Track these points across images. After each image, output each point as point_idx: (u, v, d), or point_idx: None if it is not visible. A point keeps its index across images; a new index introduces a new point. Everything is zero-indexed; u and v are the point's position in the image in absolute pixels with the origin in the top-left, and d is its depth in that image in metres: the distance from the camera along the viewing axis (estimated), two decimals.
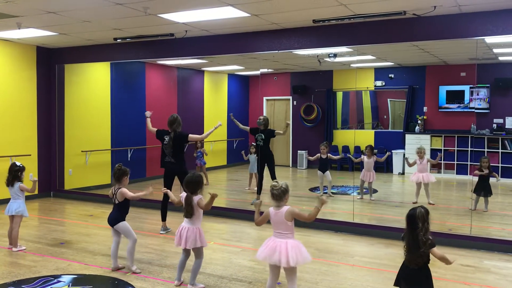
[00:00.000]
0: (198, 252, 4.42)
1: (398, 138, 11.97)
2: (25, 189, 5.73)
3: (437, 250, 3.29)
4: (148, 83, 11.27)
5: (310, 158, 9.18)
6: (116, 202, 4.92)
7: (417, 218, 3.24)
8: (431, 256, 3.29)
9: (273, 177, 8.04)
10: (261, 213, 3.94)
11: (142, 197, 4.89)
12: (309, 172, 12.74)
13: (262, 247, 3.82)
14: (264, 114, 13.73)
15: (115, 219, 4.91)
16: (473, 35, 6.06)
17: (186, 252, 4.49)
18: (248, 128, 8.49)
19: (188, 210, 4.35)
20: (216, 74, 13.26)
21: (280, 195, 3.75)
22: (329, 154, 8.98)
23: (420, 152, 8.16)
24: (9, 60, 8.75)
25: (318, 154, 8.96)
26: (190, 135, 6.55)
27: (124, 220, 4.94)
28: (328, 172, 8.95)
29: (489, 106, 10.87)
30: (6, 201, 5.92)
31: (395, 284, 3.44)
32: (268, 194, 3.91)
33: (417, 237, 3.22)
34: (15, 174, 5.71)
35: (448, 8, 5.88)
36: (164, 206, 6.66)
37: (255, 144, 8.38)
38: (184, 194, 4.44)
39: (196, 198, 4.38)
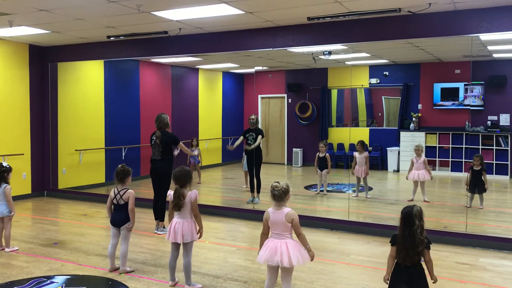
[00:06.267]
0: (189, 247, 4.38)
1: (392, 135, 11.98)
2: (8, 196, 5.59)
3: (429, 253, 3.29)
4: (142, 81, 11.20)
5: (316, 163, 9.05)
6: (122, 202, 4.83)
7: (414, 216, 3.23)
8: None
9: (256, 175, 8.19)
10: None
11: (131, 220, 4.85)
12: (304, 170, 12.73)
13: (262, 250, 3.76)
14: (259, 112, 13.71)
15: (124, 219, 4.82)
16: (468, 32, 6.05)
17: (177, 251, 4.45)
18: (238, 141, 8.36)
19: (177, 203, 4.29)
20: (210, 72, 13.21)
21: (281, 196, 3.70)
22: (327, 154, 8.96)
23: (418, 150, 8.15)
24: (1, 59, 8.65)
25: (317, 153, 9.00)
26: (181, 143, 6.63)
27: (130, 220, 4.89)
28: (325, 171, 8.93)
29: (483, 103, 10.89)
30: None
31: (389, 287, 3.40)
32: (267, 193, 3.87)
33: (414, 235, 3.20)
34: (1, 175, 5.62)
35: (443, 5, 5.86)
36: (156, 206, 6.63)
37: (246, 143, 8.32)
38: (171, 192, 4.41)
39: (192, 195, 4.33)
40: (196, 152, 6.57)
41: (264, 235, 3.83)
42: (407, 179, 8.36)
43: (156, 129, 6.56)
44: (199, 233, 4.40)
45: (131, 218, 4.82)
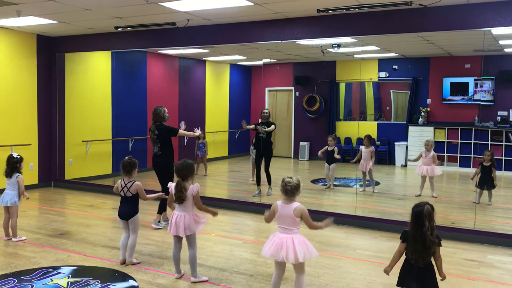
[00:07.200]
0: (192, 239, 4.36)
1: (401, 130, 11.89)
2: (21, 185, 5.66)
3: (439, 250, 3.26)
4: (150, 73, 11.18)
5: (320, 153, 9.03)
6: (129, 195, 4.83)
7: (424, 216, 3.16)
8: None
9: (266, 169, 8.17)
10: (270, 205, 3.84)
11: (153, 198, 5.04)
12: (310, 163, 12.69)
13: (268, 244, 3.73)
14: (266, 105, 13.65)
15: (131, 212, 4.83)
16: (480, 26, 5.94)
17: (179, 243, 4.44)
18: (253, 126, 8.32)
19: (179, 196, 4.26)
20: (218, 64, 13.16)
21: (293, 191, 3.68)
22: (335, 148, 8.90)
23: (428, 145, 8.08)
24: (9, 49, 8.65)
25: (326, 147, 8.92)
26: (180, 130, 6.52)
27: (138, 212, 4.89)
28: (334, 165, 8.88)
29: (493, 99, 10.77)
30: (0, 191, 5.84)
31: (398, 285, 3.37)
32: (276, 187, 3.86)
33: (424, 236, 3.14)
34: (13, 166, 5.65)
35: None
36: (162, 200, 6.56)
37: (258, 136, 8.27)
38: (172, 184, 4.37)
39: (194, 188, 4.30)
40: (199, 131, 6.53)
41: (267, 220, 3.84)
42: (413, 161, 8.34)
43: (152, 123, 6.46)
44: (213, 214, 4.48)
45: (151, 198, 5.07)
